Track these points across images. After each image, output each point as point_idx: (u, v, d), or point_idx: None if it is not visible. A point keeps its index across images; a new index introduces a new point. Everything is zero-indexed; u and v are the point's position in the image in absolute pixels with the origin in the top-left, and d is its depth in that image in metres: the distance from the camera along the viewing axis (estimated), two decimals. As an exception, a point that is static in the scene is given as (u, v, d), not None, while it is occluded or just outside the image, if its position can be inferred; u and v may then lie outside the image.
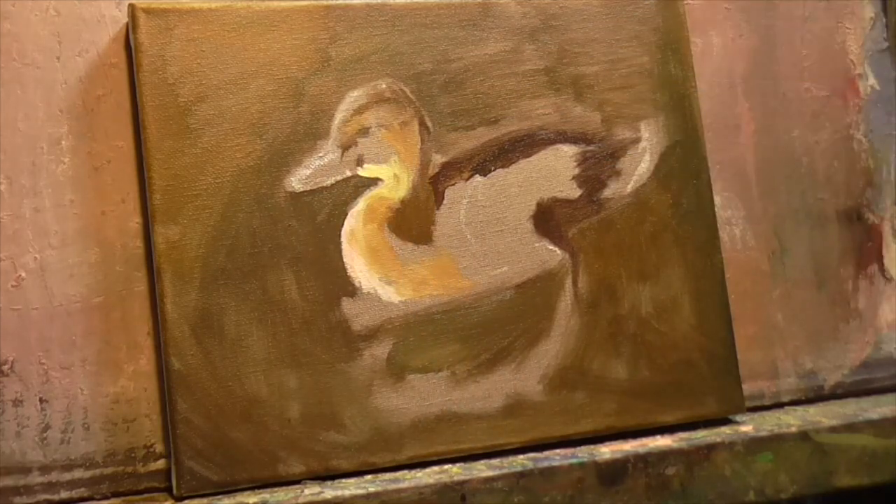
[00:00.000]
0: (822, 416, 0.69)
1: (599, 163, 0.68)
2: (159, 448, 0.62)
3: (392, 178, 0.64)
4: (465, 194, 0.66)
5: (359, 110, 0.64)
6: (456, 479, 0.59)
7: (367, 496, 0.57)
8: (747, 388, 0.72)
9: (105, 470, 0.61)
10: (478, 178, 0.66)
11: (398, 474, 0.61)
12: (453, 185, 0.66)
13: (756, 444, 0.64)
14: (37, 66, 0.62)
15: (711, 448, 0.63)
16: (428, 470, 0.62)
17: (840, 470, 0.65)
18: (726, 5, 0.77)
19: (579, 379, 0.66)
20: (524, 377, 0.65)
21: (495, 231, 0.66)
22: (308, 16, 0.64)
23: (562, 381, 0.66)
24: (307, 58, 0.64)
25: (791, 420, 0.68)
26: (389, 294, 0.64)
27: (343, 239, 0.63)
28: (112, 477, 0.61)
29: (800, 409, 0.73)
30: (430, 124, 0.66)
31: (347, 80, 0.64)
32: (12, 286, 0.60)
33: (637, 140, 0.69)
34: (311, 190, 0.63)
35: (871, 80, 0.80)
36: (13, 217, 0.61)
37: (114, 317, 0.62)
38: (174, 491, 0.59)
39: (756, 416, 0.71)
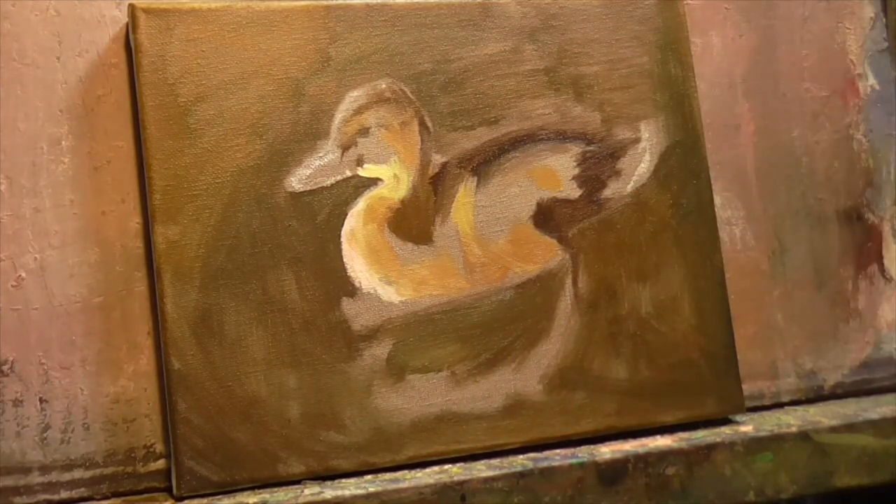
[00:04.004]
0: (822, 416, 0.69)
1: (599, 163, 0.68)
2: (159, 448, 0.62)
3: (392, 178, 0.64)
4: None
5: (359, 110, 0.64)
6: (456, 479, 0.59)
7: (367, 496, 0.57)
8: (747, 388, 0.72)
9: (105, 470, 0.61)
10: (478, 178, 0.66)
11: (398, 474, 0.61)
12: (453, 185, 0.66)
13: (756, 444, 0.64)
14: (37, 66, 0.62)
15: (711, 448, 0.63)
16: (428, 470, 0.62)
17: (840, 470, 0.65)
18: (726, 5, 0.77)
19: (579, 379, 0.66)
20: (524, 377, 0.65)
21: (495, 231, 0.66)
22: (308, 16, 0.64)
23: (562, 381, 0.66)
24: (307, 58, 0.64)
25: (791, 420, 0.68)
26: (389, 294, 0.64)
27: (343, 239, 0.63)
28: (112, 477, 0.61)
29: (800, 409, 0.73)
30: (430, 124, 0.66)
31: (347, 80, 0.64)
32: (12, 286, 0.60)
33: (637, 140, 0.69)
34: (311, 190, 0.63)
35: (871, 80, 0.80)
36: (13, 217, 0.61)
37: (114, 317, 0.62)
38: (174, 491, 0.59)
39: (756, 416, 0.71)
